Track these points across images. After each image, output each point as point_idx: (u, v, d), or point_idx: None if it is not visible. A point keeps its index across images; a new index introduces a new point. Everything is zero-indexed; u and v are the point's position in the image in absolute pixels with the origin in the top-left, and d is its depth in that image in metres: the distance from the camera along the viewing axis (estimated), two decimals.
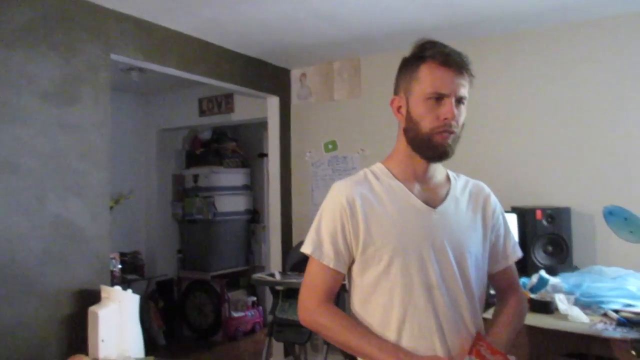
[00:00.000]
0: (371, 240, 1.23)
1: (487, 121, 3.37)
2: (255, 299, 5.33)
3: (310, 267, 1.28)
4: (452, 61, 1.18)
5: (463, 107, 1.22)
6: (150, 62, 3.14)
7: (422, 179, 1.30)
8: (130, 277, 4.57)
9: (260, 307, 5.35)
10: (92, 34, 2.77)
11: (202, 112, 5.10)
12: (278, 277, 3.54)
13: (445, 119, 1.18)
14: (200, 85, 4.29)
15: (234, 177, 5.40)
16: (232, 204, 5.34)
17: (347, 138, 4.04)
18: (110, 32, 2.87)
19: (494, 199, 1.39)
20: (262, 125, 4.83)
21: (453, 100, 1.19)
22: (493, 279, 1.37)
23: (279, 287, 3.50)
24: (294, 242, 4.21)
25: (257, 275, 3.67)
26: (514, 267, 1.41)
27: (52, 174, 2.55)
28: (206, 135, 5.55)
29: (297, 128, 4.33)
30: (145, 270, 4.89)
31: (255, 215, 5.66)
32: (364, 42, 3.58)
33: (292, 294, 3.50)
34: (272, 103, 4.28)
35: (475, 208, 1.33)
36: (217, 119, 5.05)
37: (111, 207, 4.27)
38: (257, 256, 5.65)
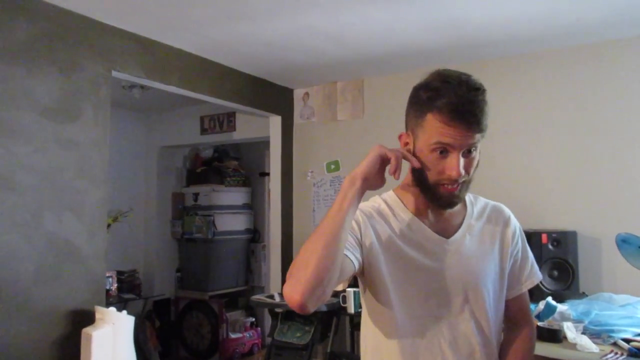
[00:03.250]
0: (376, 266, 1.16)
1: (492, 143, 3.32)
2: (253, 319, 5.24)
3: None
4: (462, 117, 1.06)
5: (475, 154, 1.13)
6: (152, 79, 3.12)
7: (433, 208, 1.22)
8: (126, 296, 4.49)
9: (259, 328, 5.25)
10: (94, 51, 2.76)
11: (203, 131, 5.08)
12: (277, 299, 3.47)
13: (449, 175, 1.10)
14: (202, 103, 4.28)
15: (234, 195, 5.35)
16: (232, 223, 5.28)
17: (350, 159, 4.00)
18: (112, 49, 2.86)
19: (514, 221, 1.30)
20: (264, 144, 4.80)
21: (459, 154, 1.09)
22: (505, 305, 1.29)
23: (278, 310, 3.43)
24: None
25: (256, 297, 3.60)
26: (527, 295, 1.33)
27: (48, 191, 2.51)
28: (207, 153, 5.53)
29: (300, 148, 4.30)
30: (142, 289, 4.82)
31: (255, 235, 5.60)
32: (368, 63, 3.56)
33: (291, 316, 3.43)
34: (275, 122, 4.26)
35: (493, 235, 1.26)
36: (219, 138, 5.02)
37: (109, 225, 4.23)
38: (256, 276, 5.57)
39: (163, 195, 5.38)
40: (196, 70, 3.41)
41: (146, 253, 5.29)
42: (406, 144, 1.19)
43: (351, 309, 3.23)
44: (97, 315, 2.38)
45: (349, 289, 3.24)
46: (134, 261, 5.11)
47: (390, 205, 1.24)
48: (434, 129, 1.09)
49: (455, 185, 1.12)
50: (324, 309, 3.31)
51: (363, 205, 1.22)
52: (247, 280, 5.49)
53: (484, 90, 1.10)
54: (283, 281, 4.32)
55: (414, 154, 1.15)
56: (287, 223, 4.24)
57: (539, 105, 3.26)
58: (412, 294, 1.16)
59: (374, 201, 1.26)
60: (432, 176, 1.12)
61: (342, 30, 2.94)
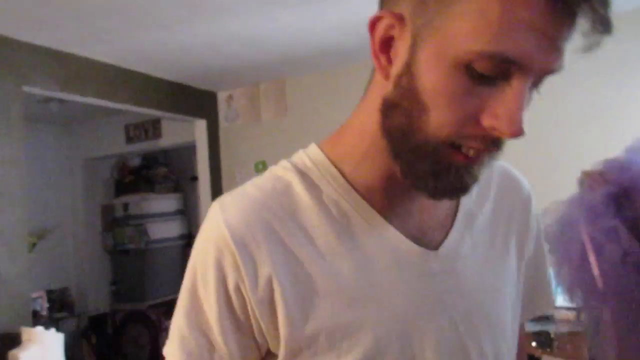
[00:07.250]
0: (303, 335, 0.55)
1: None
2: None
3: None
4: None
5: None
6: (68, 92, 3.06)
7: (405, 185, 0.56)
8: (58, 315, 4.37)
9: None
10: (1, 66, 2.68)
11: (129, 139, 4.99)
12: None
13: (494, 128, 0.49)
14: (126, 112, 4.22)
15: (166, 202, 5.29)
16: (166, 230, 5.22)
17: (276, 158, 4.02)
18: (22, 64, 2.78)
19: (534, 201, 0.71)
20: (193, 148, 4.79)
21: (530, 82, 0.48)
22: None
23: None
24: None
25: None
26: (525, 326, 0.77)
27: None
28: (135, 162, 5.43)
29: (226, 150, 4.33)
30: (75, 307, 4.70)
31: (190, 240, 5.56)
32: (287, 64, 3.64)
33: None
34: (200, 126, 4.27)
35: (507, 228, 0.67)
36: (146, 146, 4.95)
37: (34, 244, 4.10)
38: None
39: (91, 208, 5.25)
40: (114, 80, 3.37)
41: (77, 269, 5.15)
42: (387, 40, 0.53)
43: None
44: (24, 337, 2.33)
45: None
46: (65, 279, 4.96)
47: (313, 177, 0.60)
48: (495, 12, 0.44)
49: (485, 154, 0.52)
50: None
51: (245, 217, 0.57)
52: None
53: None
54: None
55: (407, 70, 0.51)
56: None
57: None
58: None
59: (276, 179, 0.62)
60: (445, 124, 0.50)
61: (256, 33, 3.00)
